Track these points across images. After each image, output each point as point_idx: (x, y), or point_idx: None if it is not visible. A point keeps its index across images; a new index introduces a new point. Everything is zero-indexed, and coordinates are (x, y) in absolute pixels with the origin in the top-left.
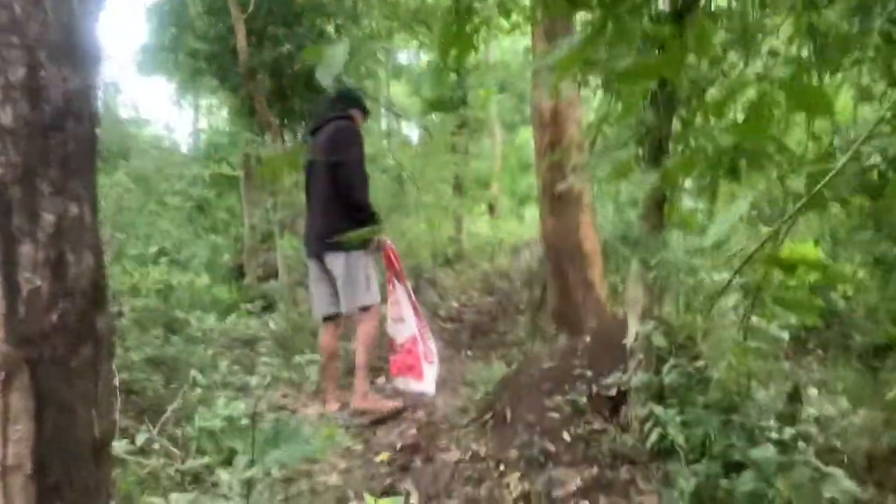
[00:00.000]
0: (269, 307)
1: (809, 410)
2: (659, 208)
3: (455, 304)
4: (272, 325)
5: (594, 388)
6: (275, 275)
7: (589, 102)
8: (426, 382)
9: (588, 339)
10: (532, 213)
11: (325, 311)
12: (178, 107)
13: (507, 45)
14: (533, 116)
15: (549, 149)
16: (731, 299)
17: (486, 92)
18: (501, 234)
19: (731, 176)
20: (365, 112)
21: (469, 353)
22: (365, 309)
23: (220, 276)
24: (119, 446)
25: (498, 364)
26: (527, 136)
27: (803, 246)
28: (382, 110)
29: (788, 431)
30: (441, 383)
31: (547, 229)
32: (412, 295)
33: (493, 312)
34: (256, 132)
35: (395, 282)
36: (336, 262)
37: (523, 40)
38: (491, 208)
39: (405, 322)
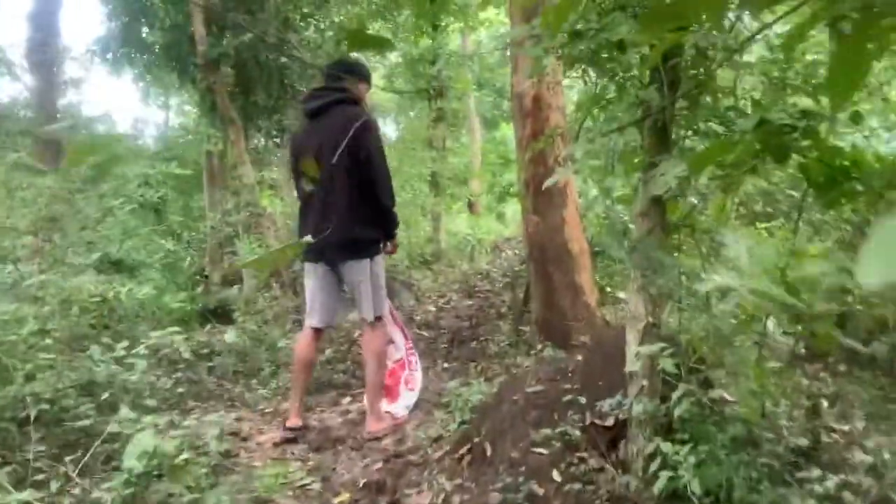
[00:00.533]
0: (228, 316)
1: (861, 457)
2: (660, 205)
3: (432, 309)
4: (228, 337)
5: (588, 418)
6: (240, 280)
7: (571, 91)
8: (397, 405)
9: (579, 356)
10: (513, 209)
11: (326, 322)
12: (145, 104)
13: (484, 39)
14: (513, 105)
15: (531, 139)
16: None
17: (463, 83)
18: (481, 233)
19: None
20: (370, 84)
21: (447, 365)
22: (378, 319)
23: (178, 282)
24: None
25: (477, 382)
26: (507, 131)
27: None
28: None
29: (833, 480)
30: (414, 404)
31: (529, 228)
32: (396, 315)
33: (473, 317)
34: (219, 129)
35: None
36: (359, 268)
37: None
38: (470, 206)
39: (394, 344)
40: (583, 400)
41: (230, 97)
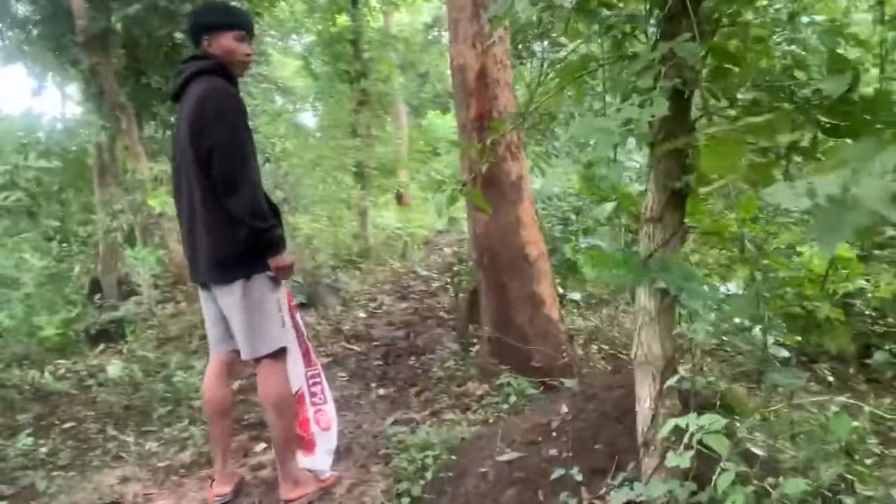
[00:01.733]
0: (123, 335)
1: None
2: (679, 205)
3: (362, 315)
4: (112, 370)
5: (585, 503)
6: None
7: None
8: (316, 457)
9: (564, 407)
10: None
11: (221, 355)
12: (37, 94)
13: (407, 21)
14: (453, 81)
15: (476, 122)
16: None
17: (387, 66)
18: (411, 227)
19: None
20: (244, 31)
21: (382, 391)
22: (270, 357)
23: (62, 298)
24: None
25: (426, 428)
26: (435, 119)
27: None
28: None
29: None
30: (344, 452)
31: (478, 229)
32: (301, 327)
33: (408, 325)
34: (108, 117)
35: None
36: (230, 294)
37: (423, 16)
38: (399, 197)
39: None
40: (577, 475)
41: (119, 80)
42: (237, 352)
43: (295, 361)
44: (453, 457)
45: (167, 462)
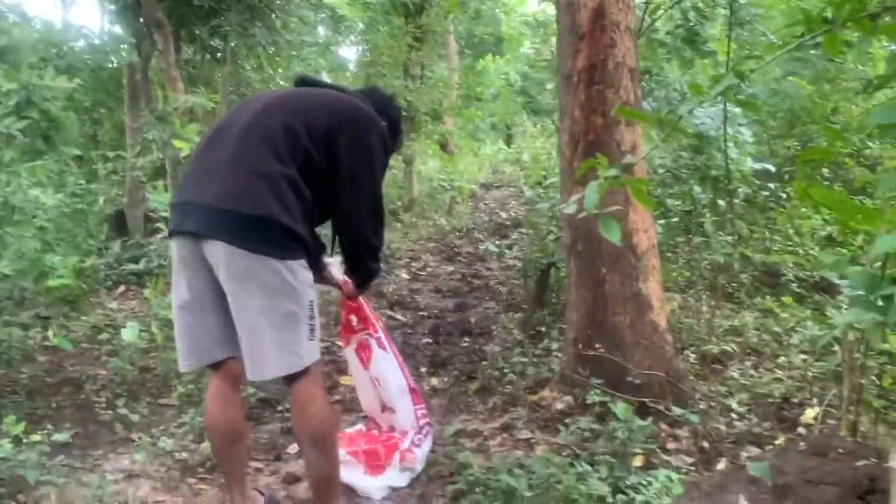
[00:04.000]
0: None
1: None
2: None
3: (405, 277)
4: (127, 334)
5: None
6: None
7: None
8: (375, 483)
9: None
10: (491, 148)
11: (205, 358)
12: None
13: None
14: (559, 20)
15: (586, 74)
16: None
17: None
18: (458, 179)
19: None
20: (393, 129)
21: (435, 381)
22: (305, 376)
23: (83, 234)
24: None
25: (507, 463)
26: (487, 63)
27: None
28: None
29: None
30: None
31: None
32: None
33: (458, 293)
34: (142, 33)
35: (370, 339)
36: (250, 272)
37: None
38: (443, 145)
39: (395, 413)
40: None
41: None
42: (225, 364)
43: (404, 397)
44: None
45: (185, 455)
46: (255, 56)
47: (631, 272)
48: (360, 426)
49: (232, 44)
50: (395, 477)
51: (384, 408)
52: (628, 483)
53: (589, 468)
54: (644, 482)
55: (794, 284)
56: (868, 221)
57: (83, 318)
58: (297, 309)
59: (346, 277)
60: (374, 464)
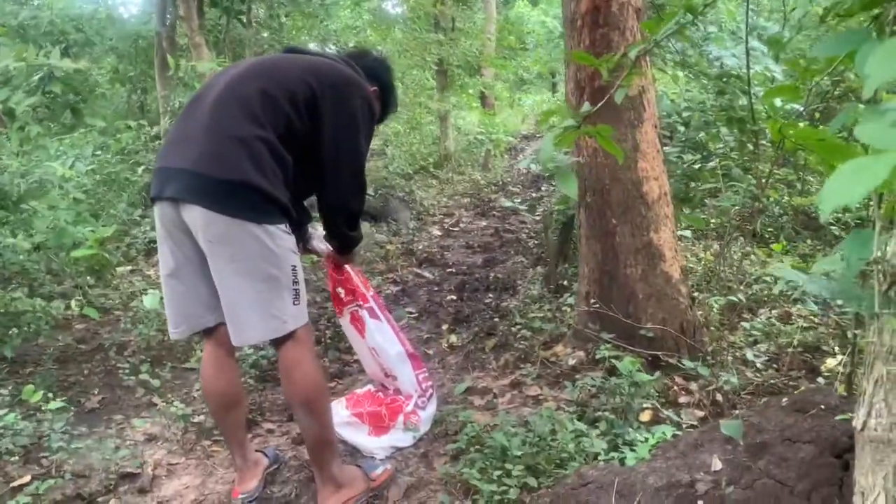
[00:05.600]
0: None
1: None
2: None
3: (437, 233)
4: (149, 301)
5: None
6: None
7: None
8: (381, 441)
9: (717, 461)
10: (533, 100)
11: (196, 324)
12: None
13: None
14: None
15: (589, 17)
16: None
17: None
18: (496, 132)
19: None
20: (381, 90)
21: (453, 338)
22: (292, 339)
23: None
24: None
25: (509, 420)
26: (524, 9)
27: None
28: None
29: None
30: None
31: (584, 153)
32: (398, 328)
33: (488, 247)
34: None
35: (360, 309)
36: (229, 237)
37: None
38: (482, 99)
39: (397, 379)
40: None
41: None
42: (217, 331)
43: (404, 364)
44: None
45: (200, 418)
46: (275, 17)
47: (641, 222)
48: (370, 387)
49: (252, 5)
50: (399, 437)
51: (387, 374)
52: (627, 439)
53: (588, 425)
54: (642, 438)
55: (834, 228)
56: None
57: (122, 285)
58: (279, 273)
59: (329, 247)
60: (378, 425)
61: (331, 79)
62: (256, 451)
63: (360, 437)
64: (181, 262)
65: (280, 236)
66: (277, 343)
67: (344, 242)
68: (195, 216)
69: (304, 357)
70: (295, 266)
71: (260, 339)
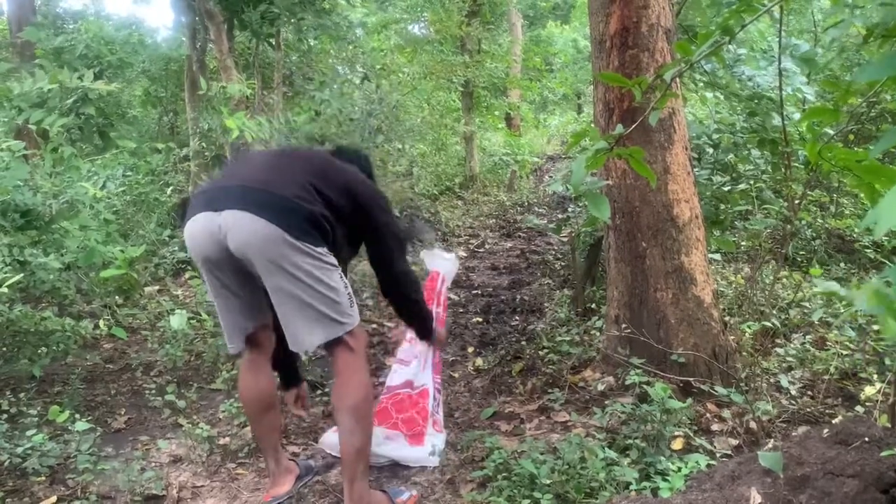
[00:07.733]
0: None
1: None
2: None
3: (463, 254)
4: (176, 322)
5: None
6: None
7: None
8: (421, 451)
9: (756, 495)
10: (558, 121)
11: (243, 334)
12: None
13: None
14: None
15: (619, 39)
16: None
17: None
18: (521, 153)
19: None
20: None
21: (479, 362)
22: (346, 346)
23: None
24: None
25: (535, 449)
26: (554, 30)
27: None
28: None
29: None
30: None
31: (613, 175)
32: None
33: (513, 269)
34: (196, 24)
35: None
36: (283, 241)
37: None
38: (508, 120)
39: (416, 366)
40: None
41: None
42: (267, 326)
43: (427, 365)
44: None
45: (225, 440)
46: (304, 40)
47: (672, 245)
48: (381, 398)
49: (281, 28)
50: (436, 439)
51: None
52: (659, 468)
53: (619, 453)
54: (675, 468)
55: (868, 251)
56: (889, 184)
57: (150, 305)
58: (329, 279)
59: None
60: (414, 431)
61: (351, 174)
62: (289, 459)
63: (401, 449)
64: (221, 282)
65: (324, 252)
66: (332, 347)
67: (420, 319)
68: (242, 221)
69: (360, 364)
70: (340, 274)
71: (319, 343)
